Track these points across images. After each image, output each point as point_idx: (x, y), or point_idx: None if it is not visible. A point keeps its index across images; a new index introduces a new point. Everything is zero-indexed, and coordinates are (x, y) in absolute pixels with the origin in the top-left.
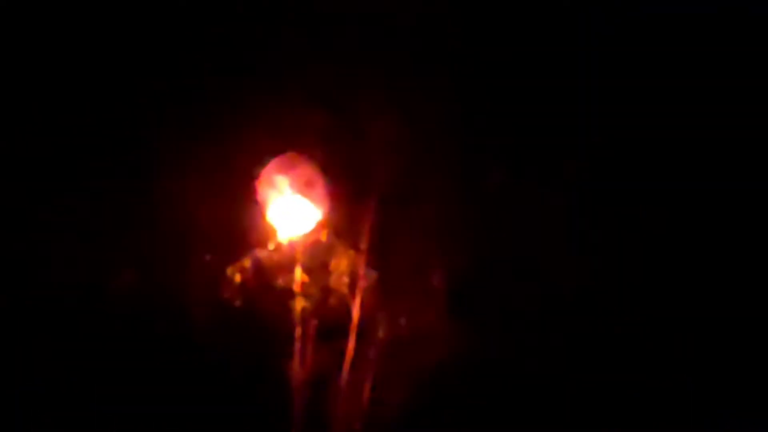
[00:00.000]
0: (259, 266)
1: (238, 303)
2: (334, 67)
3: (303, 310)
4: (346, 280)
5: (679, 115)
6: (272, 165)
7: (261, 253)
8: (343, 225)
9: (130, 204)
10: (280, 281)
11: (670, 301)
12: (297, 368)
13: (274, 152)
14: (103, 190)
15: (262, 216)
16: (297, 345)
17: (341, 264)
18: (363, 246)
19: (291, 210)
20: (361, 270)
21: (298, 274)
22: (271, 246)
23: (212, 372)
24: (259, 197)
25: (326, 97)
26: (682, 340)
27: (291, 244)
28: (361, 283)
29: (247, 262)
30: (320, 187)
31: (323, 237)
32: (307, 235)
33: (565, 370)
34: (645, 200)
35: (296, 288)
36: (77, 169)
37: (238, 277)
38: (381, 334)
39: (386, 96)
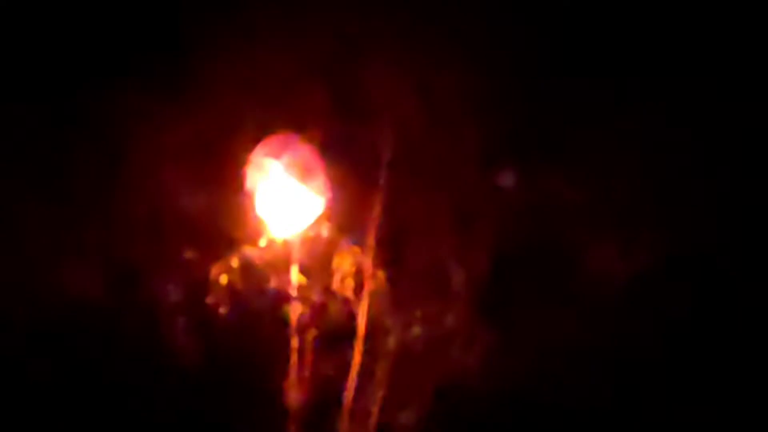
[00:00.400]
0: (248, 266)
1: (224, 309)
2: (335, 33)
3: (300, 317)
4: (350, 281)
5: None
6: (263, 147)
7: (251, 251)
8: (346, 217)
9: (96, 193)
10: (274, 283)
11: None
12: (294, 385)
13: (266, 132)
14: (64, 176)
15: (252, 207)
16: (294, 358)
17: (344, 263)
18: (370, 242)
19: (286, 200)
20: (368, 270)
21: (295, 275)
22: (262, 242)
23: (195, 391)
24: (249, 185)
25: (326, 68)
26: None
27: (286, 241)
28: (368, 286)
29: (234, 262)
30: (320, 173)
31: (323, 232)
32: (304, 230)
33: (595, 386)
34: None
35: (292, 291)
36: (39, 155)
37: (224, 279)
38: (391, 344)
39: (396, 66)
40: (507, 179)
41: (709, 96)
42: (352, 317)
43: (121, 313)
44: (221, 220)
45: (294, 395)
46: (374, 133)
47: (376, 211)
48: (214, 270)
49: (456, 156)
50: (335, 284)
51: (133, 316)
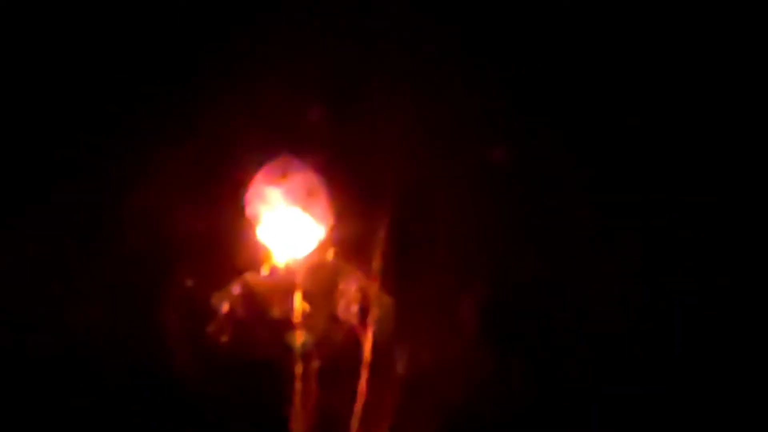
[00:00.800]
0: (250, 294)
1: (225, 338)
2: (338, 52)
3: (304, 345)
4: (355, 308)
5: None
6: (265, 172)
7: (252, 278)
8: (351, 242)
9: (91, 218)
10: (277, 311)
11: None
12: (299, 415)
13: (268, 157)
14: (57, 199)
15: (254, 234)
16: (298, 388)
17: (349, 289)
18: (376, 267)
19: (288, 226)
20: (374, 296)
21: (298, 302)
22: (264, 269)
23: (196, 422)
24: (249, 211)
25: (329, 92)
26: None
27: (288, 267)
28: (374, 312)
29: (236, 289)
30: (323, 197)
31: (327, 257)
32: (307, 256)
33: (604, 413)
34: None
35: (296, 319)
36: (30, 175)
37: (225, 307)
38: (397, 371)
39: (402, 85)
40: (515, 202)
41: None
42: (357, 344)
43: (120, 341)
44: (223, 247)
45: (298, 425)
46: (379, 157)
47: (381, 235)
48: (215, 298)
49: (463, 180)
50: (340, 311)
51: (132, 344)
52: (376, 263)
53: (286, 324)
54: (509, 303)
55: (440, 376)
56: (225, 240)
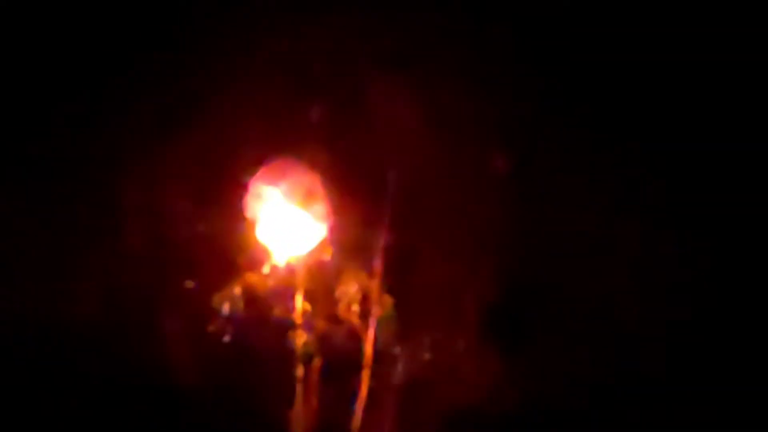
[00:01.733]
0: (251, 294)
1: (226, 339)
2: (337, 53)
3: (305, 345)
4: (356, 308)
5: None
6: (264, 173)
7: (253, 279)
8: (351, 242)
9: (97, 222)
10: (278, 311)
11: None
12: (300, 415)
13: (267, 156)
14: (65, 204)
15: (254, 234)
16: (299, 388)
17: (350, 289)
18: (376, 267)
19: (288, 226)
20: (375, 296)
21: (299, 302)
22: (265, 269)
23: (198, 422)
24: (250, 212)
25: (329, 89)
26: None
27: (289, 267)
28: (375, 312)
29: (236, 290)
30: (323, 197)
31: (328, 257)
32: (308, 256)
33: (606, 412)
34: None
35: (297, 319)
36: (40, 182)
37: (226, 308)
38: (398, 371)
39: (399, 88)
40: (516, 199)
41: None
42: (358, 344)
43: (122, 342)
44: (223, 247)
45: (299, 425)
46: (378, 157)
47: (382, 235)
48: (216, 298)
49: (464, 178)
50: (341, 311)
51: (134, 345)
52: (377, 262)
53: (287, 324)
54: (511, 302)
55: (442, 376)
56: (225, 240)
